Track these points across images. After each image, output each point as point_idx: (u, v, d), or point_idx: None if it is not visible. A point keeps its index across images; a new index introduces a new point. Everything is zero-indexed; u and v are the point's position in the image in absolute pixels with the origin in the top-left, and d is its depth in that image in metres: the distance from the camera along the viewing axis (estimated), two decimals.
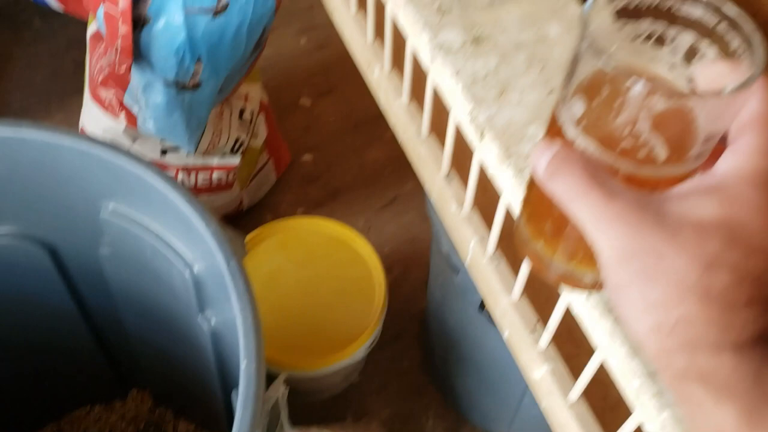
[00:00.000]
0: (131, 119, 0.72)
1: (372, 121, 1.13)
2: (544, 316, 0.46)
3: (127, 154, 0.45)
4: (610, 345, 0.38)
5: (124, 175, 0.45)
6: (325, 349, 0.72)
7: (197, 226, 0.42)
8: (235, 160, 0.80)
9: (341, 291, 0.77)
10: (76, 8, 1.02)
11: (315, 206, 1.03)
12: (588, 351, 0.40)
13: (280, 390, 0.53)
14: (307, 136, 1.11)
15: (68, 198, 0.49)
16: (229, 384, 0.56)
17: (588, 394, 0.43)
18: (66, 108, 1.04)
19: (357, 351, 0.72)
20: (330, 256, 0.79)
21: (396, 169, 1.07)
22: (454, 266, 0.62)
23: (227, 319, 0.48)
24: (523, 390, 0.68)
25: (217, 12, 0.65)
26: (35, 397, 0.71)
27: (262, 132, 0.91)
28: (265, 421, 0.41)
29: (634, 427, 0.38)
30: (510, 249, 0.49)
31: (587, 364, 0.41)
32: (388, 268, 0.80)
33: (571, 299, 0.40)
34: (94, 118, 0.76)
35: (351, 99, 1.17)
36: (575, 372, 0.44)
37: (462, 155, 0.51)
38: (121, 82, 0.69)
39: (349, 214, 1.01)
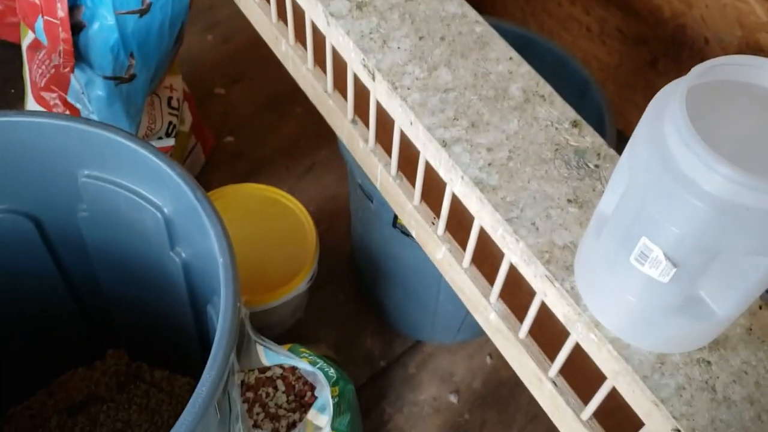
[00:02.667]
0: (76, 115, 0.83)
1: (281, 99, 1.27)
2: (437, 212, 0.61)
3: (98, 123, 0.57)
4: (479, 213, 0.52)
5: (97, 141, 0.57)
6: (272, 286, 0.85)
7: (166, 172, 0.55)
8: (171, 141, 0.91)
9: (279, 239, 0.90)
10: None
11: (242, 180, 1.14)
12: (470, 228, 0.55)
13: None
14: (227, 121, 1.23)
15: (49, 172, 0.61)
16: (201, 320, 0.68)
17: (476, 260, 0.58)
18: None
19: (300, 284, 0.86)
20: (265, 213, 0.92)
21: (309, 140, 1.21)
22: (368, 194, 0.76)
23: (197, 251, 0.60)
24: (437, 290, 0.83)
25: (142, 12, 0.76)
26: (23, 367, 0.82)
27: (188, 118, 1.03)
28: (239, 324, 0.53)
29: (506, 266, 0.53)
30: (408, 167, 0.64)
31: (470, 239, 0.56)
32: (316, 222, 0.93)
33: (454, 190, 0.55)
34: None
35: (260, 83, 1.30)
36: (465, 247, 0.58)
37: (362, 102, 0.65)
38: (63, 85, 0.80)
39: (273, 183, 1.13)
